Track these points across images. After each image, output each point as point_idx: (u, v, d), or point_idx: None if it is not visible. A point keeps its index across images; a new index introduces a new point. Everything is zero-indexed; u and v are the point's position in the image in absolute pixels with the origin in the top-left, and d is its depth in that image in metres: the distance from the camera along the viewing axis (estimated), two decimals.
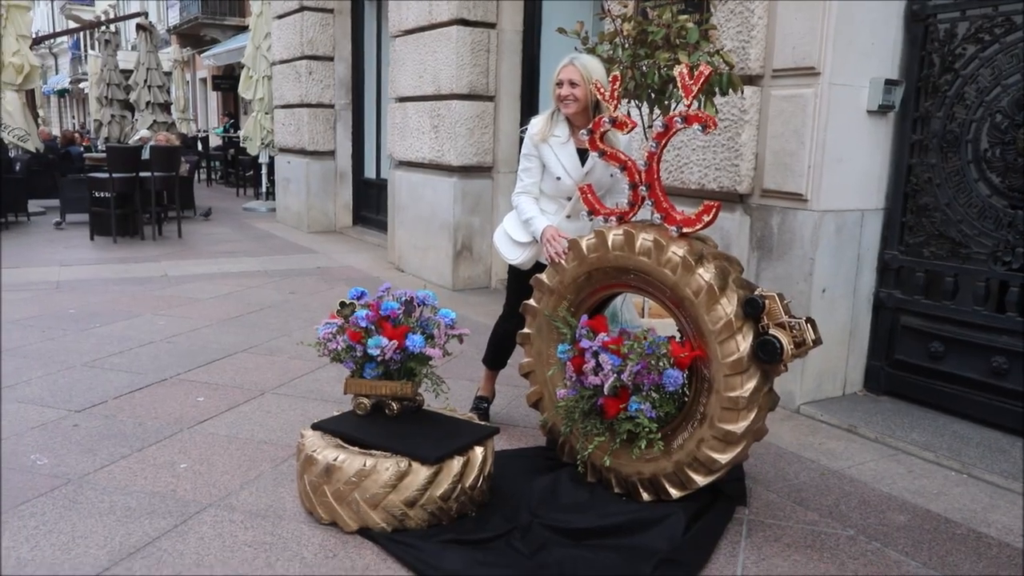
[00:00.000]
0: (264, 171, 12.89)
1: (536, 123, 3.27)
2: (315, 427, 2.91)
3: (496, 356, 3.60)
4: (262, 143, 12.16)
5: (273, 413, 3.77)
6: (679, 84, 2.69)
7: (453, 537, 2.59)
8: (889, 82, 3.86)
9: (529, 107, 6.65)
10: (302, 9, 9.66)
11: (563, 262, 2.99)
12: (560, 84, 3.13)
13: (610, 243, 2.82)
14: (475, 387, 3.86)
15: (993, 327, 3.65)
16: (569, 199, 3.24)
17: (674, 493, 2.74)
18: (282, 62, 10.48)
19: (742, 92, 3.59)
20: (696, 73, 2.66)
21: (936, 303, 3.88)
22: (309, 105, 9.80)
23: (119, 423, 3.57)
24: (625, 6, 3.68)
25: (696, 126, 2.64)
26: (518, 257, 3.32)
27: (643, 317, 3.80)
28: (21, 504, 2.78)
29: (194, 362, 4.51)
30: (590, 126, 2.93)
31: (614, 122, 2.85)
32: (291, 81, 10.17)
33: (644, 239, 2.73)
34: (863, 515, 2.89)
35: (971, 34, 3.69)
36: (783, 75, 3.90)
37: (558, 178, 3.21)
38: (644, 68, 3.45)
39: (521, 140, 3.38)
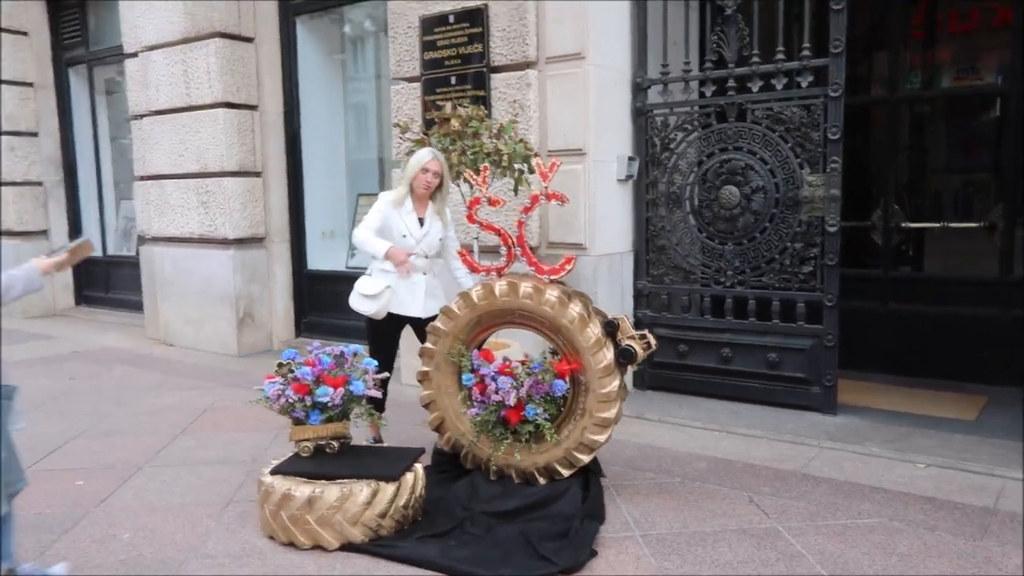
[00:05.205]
0: None
1: (392, 194, 4.08)
2: (274, 472, 3.38)
3: (379, 401, 4.20)
4: None
5: (169, 482, 3.95)
6: (538, 172, 3.70)
7: (421, 534, 3.28)
8: (629, 158, 5.26)
9: (295, 181, 7.21)
10: None
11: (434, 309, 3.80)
12: (426, 171, 3.99)
13: (497, 292, 3.70)
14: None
15: (718, 328, 5.18)
16: (409, 256, 4.02)
17: (565, 473, 3.66)
18: None
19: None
20: (550, 164, 3.70)
21: (678, 316, 5.34)
22: (13, 183, 9.11)
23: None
24: (443, 105, 4.64)
25: (555, 202, 3.69)
26: (371, 308, 3.99)
27: None
28: None
29: (34, 455, 4.31)
30: (468, 203, 3.82)
31: (489, 201, 3.77)
32: None
33: (525, 287, 3.66)
34: (679, 467, 4.09)
35: (680, 124, 5.23)
36: (558, 155, 5.07)
37: (404, 236, 4.03)
38: (471, 154, 4.43)
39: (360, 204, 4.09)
